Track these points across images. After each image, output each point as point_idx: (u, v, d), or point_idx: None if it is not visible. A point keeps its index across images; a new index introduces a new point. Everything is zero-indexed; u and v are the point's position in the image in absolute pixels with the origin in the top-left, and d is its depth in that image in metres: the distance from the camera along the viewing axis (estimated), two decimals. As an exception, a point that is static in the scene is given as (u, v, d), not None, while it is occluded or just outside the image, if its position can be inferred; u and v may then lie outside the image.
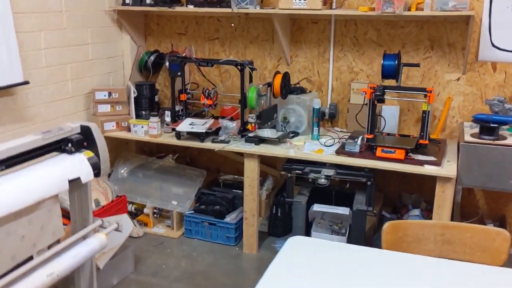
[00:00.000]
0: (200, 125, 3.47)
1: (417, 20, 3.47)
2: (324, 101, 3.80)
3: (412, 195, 3.65)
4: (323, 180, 3.10)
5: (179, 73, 3.58)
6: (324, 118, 3.77)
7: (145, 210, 3.80)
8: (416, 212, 3.40)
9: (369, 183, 3.04)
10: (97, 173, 2.47)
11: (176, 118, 3.69)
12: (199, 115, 3.90)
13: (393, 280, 1.75)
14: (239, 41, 3.96)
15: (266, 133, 3.42)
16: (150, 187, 3.86)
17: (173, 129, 3.54)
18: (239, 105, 3.69)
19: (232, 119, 3.78)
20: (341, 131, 3.72)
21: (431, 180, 3.45)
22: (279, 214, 3.67)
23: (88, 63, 3.74)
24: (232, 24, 3.88)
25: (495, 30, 3.31)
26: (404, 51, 3.51)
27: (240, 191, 3.75)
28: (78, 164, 2.38)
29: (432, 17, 3.37)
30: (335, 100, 3.81)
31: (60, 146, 2.40)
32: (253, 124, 3.41)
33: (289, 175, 3.18)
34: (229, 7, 3.56)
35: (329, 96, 3.82)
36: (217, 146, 3.37)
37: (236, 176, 4.00)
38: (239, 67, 3.44)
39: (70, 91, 3.60)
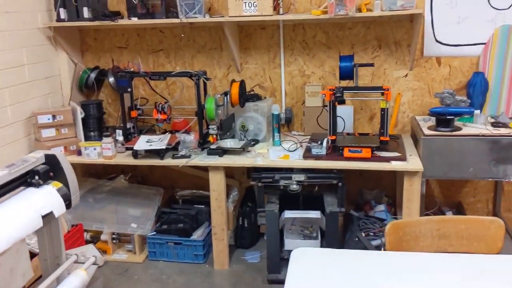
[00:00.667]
0: (158, 142, 3.32)
1: (364, 21, 3.54)
2: (280, 106, 3.77)
3: (372, 191, 3.72)
4: (295, 186, 3.07)
5: (129, 89, 3.40)
6: (280, 123, 3.74)
7: (103, 237, 3.58)
8: (382, 207, 3.46)
9: (340, 184, 3.05)
10: (68, 204, 2.28)
11: (129, 136, 3.50)
12: (151, 131, 3.74)
13: (409, 280, 1.74)
14: (185, 51, 3.84)
15: (229, 143, 3.34)
16: (104, 212, 3.64)
17: (128, 148, 3.36)
18: (195, 117, 3.59)
19: (187, 132, 3.66)
20: (299, 135, 3.71)
21: (389, 175, 3.54)
22: (245, 225, 3.60)
23: (26, 85, 3.46)
24: (182, 35, 3.75)
25: (437, 26, 3.45)
26: (354, 52, 3.56)
27: (203, 206, 3.64)
28: (48, 198, 2.18)
29: (378, 17, 3.45)
30: (289, 105, 3.80)
31: (26, 179, 2.18)
32: (214, 136, 3.31)
33: (259, 184, 3.12)
34: (176, 17, 3.45)
35: (283, 100, 3.80)
36: (178, 162, 3.23)
37: (194, 191, 3.87)
38: (193, 78, 3.32)
39: (10, 117, 3.31)
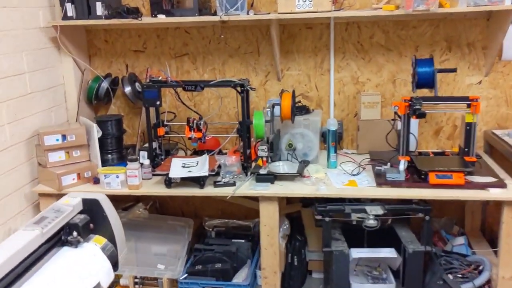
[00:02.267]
0: (196, 166, 2.71)
1: (431, 19, 3.01)
2: (325, 119, 3.21)
3: (440, 219, 3.18)
4: (371, 222, 2.50)
5: (157, 102, 2.78)
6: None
7: (122, 281, 2.95)
8: (461, 240, 2.92)
9: (427, 218, 2.50)
10: (115, 266, 1.66)
11: (156, 159, 2.88)
12: (176, 150, 3.14)
13: None
14: (215, 56, 3.24)
15: (282, 167, 2.75)
16: (122, 249, 2.99)
17: (156, 174, 2.74)
18: (227, 134, 3.01)
19: (221, 152, 3.06)
20: (353, 153, 3.15)
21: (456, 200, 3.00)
22: (295, 263, 3.01)
23: (26, 98, 2.81)
24: (222, 36, 3.14)
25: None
26: (418, 55, 3.02)
27: (242, 240, 3.04)
28: (92, 262, 1.55)
29: (449, 14, 2.93)
30: (338, 117, 3.23)
31: (59, 237, 1.55)
32: (264, 158, 2.71)
33: (326, 219, 2.54)
34: (212, 14, 2.85)
35: (331, 113, 3.23)
36: (223, 192, 2.63)
37: (225, 220, 3.26)
38: (238, 88, 2.72)
39: (8, 138, 2.65)
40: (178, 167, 2.69)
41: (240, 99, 2.75)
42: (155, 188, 2.70)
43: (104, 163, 2.86)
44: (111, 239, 1.67)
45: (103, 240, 1.63)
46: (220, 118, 3.31)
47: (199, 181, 2.64)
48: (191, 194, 2.65)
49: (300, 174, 2.70)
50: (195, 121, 2.82)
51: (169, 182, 2.66)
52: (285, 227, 2.90)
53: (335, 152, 2.90)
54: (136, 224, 3.13)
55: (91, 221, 1.63)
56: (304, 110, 3.04)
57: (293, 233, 3.05)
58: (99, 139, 2.83)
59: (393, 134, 2.85)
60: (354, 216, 2.52)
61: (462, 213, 3.16)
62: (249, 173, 2.77)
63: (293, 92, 2.83)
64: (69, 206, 1.58)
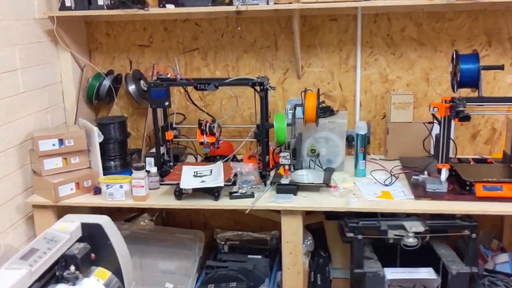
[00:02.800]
0: (208, 176, 2.40)
1: (470, 10, 2.70)
2: (350, 121, 2.91)
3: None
4: (411, 240, 2.19)
5: (166, 103, 2.47)
6: (352, 144, 2.88)
7: (126, 301, 2.64)
8: (505, 257, 2.62)
9: (473, 235, 2.20)
10: (121, 307, 1.36)
11: (164, 166, 2.58)
12: (185, 156, 2.84)
13: None
14: (228, 51, 2.93)
15: (306, 176, 2.45)
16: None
17: (168, 184, 2.43)
18: (241, 139, 2.72)
19: (235, 158, 2.77)
20: (381, 160, 2.84)
21: None
22: (318, 282, 2.71)
23: (19, 97, 2.50)
24: (239, 28, 2.84)
25: None
26: (455, 49, 2.71)
27: (259, 256, 2.74)
28: (93, 305, 1.25)
29: (491, 4, 2.62)
30: (364, 119, 2.93)
31: (54, 273, 1.25)
32: (286, 167, 2.41)
33: (359, 237, 2.23)
34: (227, 4, 2.55)
35: (357, 114, 2.93)
36: (241, 205, 2.33)
37: (239, 232, 2.95)
38: (257, 87, 2.42)
39: (-2, 143, 2.35)
40: (189, 176, 2.39)
41: (257, 99, 2.45)
42: (163, 200, 2.40)
43: (106, 170, 2.56)
44: (117, 271, 1.38)
45: (107, 274, 1.34)
46: (233, 120, 3.00)
47: (213, 193, 2.34)
48: (204, 207, 2.35)
49: (326, 184, 2.39)
50: (207, 124, 2.52)
51: (179, 193, 2.36)
52: (308, 242, 2.59)
53: (364, 159, 2.59)
54: (140, 237, 2.83)
55: (93, 250, 1.34)
56: (328, 111, 2.73)
57: (315, 248, 2.75)
58: (101, 144, 2.52)
59: (427, 138, 2.56)
60: (391, 234, 2.22)
61: (501, 226, 2.86)
62: (268, 183, 2.47)
63: (318, 91, 2.52)
64: (65, 234, 1.28)
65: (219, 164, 2.48)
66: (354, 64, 2.85)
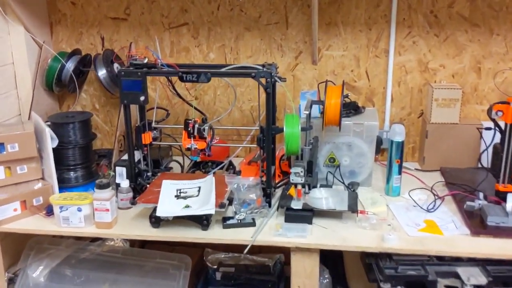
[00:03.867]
0: (196, 196, 1.81)
1: (541, -20, 2.07)
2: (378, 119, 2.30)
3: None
4: (470, 294, 1.62)
5: (141, 98, 1.86)
6: (381, 148, 2.29)
7: None
8: None
9: (552, 290, 1.62)
10: None
11: (138, 179, 1.98)
12: (167, 161, 2.24)
13: None
14: (226, 28, 2.31)
15: (326, 200, 1.86)
16: (92, 298, 2.15)
17: (134, 203, 1.84)
18: (238, 144, 2.15)
19: (233, 169, 2.18)
20: (416, 170, 2.25)
21: None
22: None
23: None
24: (239, -1, 2.21)
25: None
26: (518, 33, 2.10)
27: (261, 290, 2.18)
28: None
29: None
30: (396, 117, 2.33)
31: None
32: (299, 187, 1.82)
33: (398, 288, 1.65)
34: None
35: (387, 111, 2.32)
36: (237, 239, 1.74)
37: (235, 254, 2.37)
38: (263, 79, 1.80)
39: None
40: (170, 197, 1.80)
41: (261, 92, 1.84)
42: (136, 227, 1.81)
43: (64, 183, 1.97)
44: None
45: None
46: (230, 115, 2.41)
47: (201, 220, 1.75)
48: (189, 240, 1.76)
49: (353, 210, 1.80)
50: (196, 125, 1.92)
51: (156, 220, 1.78)
52: (325, 281, 2.01)
53: (400, 173, 2.00)
54: (111, 261, 2.24)
55: None
56: (352, 108, 2.13)
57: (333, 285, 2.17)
58: (56, 149, 1.92)
59: (476, 148, 1.97)
60: (441, 285, 1.64)
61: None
62: (274, 204, 1.88)
63: (343, 85, 1.91)
64: None
65: (210, 180, 1.88)
66: (385, 48, 2.24)
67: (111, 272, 2.20)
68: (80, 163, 1.99)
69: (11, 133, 1.87)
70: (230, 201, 1.87)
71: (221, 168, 2.16)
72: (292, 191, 1.83)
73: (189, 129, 1.93)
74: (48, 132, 1.87)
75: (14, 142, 1.86)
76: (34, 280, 2.20)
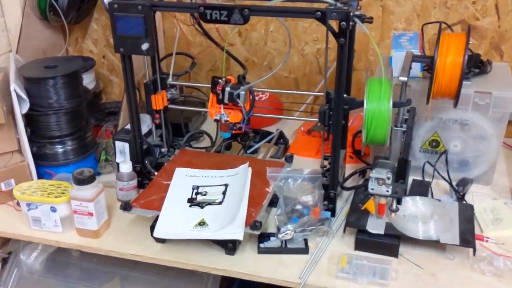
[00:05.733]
0: (217, 204, 1.19)
1: None
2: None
3: None
4: None
5: (145, 45, 1.20)
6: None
7: None
8: None
9: None
10: None
11: (147, 160, 1.38)
12: (193, 138, 1.61)
13: None
14: None
15: (423, 223, 1.17)
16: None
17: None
18: (314, 119, 1.52)
19: (281, 140, 1.54)
20: None
21: None
22: None
23: None
24: None
25: None
26: None
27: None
28: None
29: None
30: (535, 77, 1.54)
31: None
32: (381, 200, 1.14)
33: None
34: None
35: (524, 67, 1.53)
36: (279, 277, 1.12)
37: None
38: (333, 22, 1.08)
39: None
40: (180, 202, 1.19)
41: (330, 39, 1.13)
42: (133, 240, 1.23)
43: (48, 161, 1.41)
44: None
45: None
46: (287, 61, 1.71)
47: (224, 242, 1.14)
48: (205, 269, 1.16)
49: (467, 243, 1.11)
50: (227, 88, 1.26)
51: (159, 238, 1.18)
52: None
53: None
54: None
55: None
56: (473, 65, 1.37)
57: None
58: (32, 115, 1.35)
59: None
60: None
61: None
62: (338, 219, 1.23)
63: (468, 33, 1.15)
64: None
65: (244, 173, 1.25)
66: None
67: (122, 266, 1.69)
68: (67, 134, 1.40)
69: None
70: (274, 203, 1.24)
71: (268, 142, 1.52)
72: (370, 204, 1.16)
73: (216, 91, 1.28)
74: (13, 90, 1.28)
75: (-32, 101, 1.29)
76: (28, 266, 1.74)
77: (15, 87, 1.28)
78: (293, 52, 1.70)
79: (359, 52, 1.62)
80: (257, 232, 1.11)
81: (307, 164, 1.45)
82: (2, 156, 1.39)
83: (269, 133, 1.55)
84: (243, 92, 1.26)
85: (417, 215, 1.19)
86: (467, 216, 1.19)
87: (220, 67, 1.76)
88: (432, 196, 1.32)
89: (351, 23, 1.06)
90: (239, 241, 1.13)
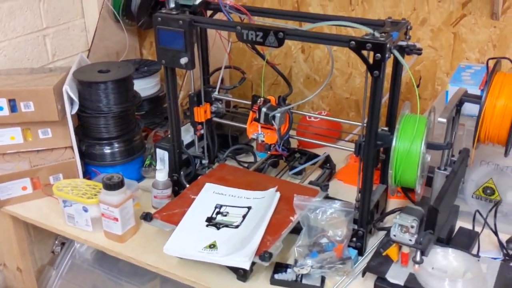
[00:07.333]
0: (233, 227, 1.17)
1: None
2: None
3: None
4: None
5: (184, 60, 1.20)
6: None
7: None
8: None
9: None
10: None
11: (185, 169, 1.39)
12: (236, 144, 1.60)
13: None
14: None
15: (450, 280, 1.05)
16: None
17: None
18: (349, 150, 1.44)
19: (327, 164, 1.47)
20: None
21: None
22: None
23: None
24: None
25: None
26: None
27: None
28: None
29: None
30: None
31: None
32: (404, 249, 1.05)
33: None
34: None
35: None
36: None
37: None
38: (368, 52, 1.00)
39: None
40: (198, 220, 1.18)
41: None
42: (154, 249, 1.24)
43: (96, 160, 1.47)
44: None
45: None
46: (348, 81, 1.63)
47: (236, 269, 1.11)
48: (214, 293, 1.14)
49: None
50: (263, 108, 1.23)
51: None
52: None
53: None
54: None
55: None
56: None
57: None
58: (82, 116, 1.41)
59: None
60: None
61: None
62: (360, 260, 1.15)
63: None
64: None
65: (270, 198, 1.21)
66: None
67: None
68: (115, 136, 1.45)
69: (22, 88, 1.39)
70: (297, 231, 1.19)
71: (314, 164, 1.46)
72: (392, 251, 1.07)
73: (254, 109, 1.25)
74: (65, 91, 1.35)
75: (27, 100, 1.38)
76: (80, 254, 1.84)
77: (67, 88, 1.35)
78: (356, 73, 1.62)
79: (426, 80, 1.50)
80: (266, 264, 1.06)
81: (351, 193, 1.36)
82: (56, 151, 1.47)
83: (316, 156, 1.49)
84: (278, 114, 1.22)
85: (447, 270, 1.07)
86: (507, 280, 1.05)
87: (282, 82, 1.72)
88: (478, 250, 1.19)
89: (384, 54, 0.98)
90: (251, 269, 1.10)
